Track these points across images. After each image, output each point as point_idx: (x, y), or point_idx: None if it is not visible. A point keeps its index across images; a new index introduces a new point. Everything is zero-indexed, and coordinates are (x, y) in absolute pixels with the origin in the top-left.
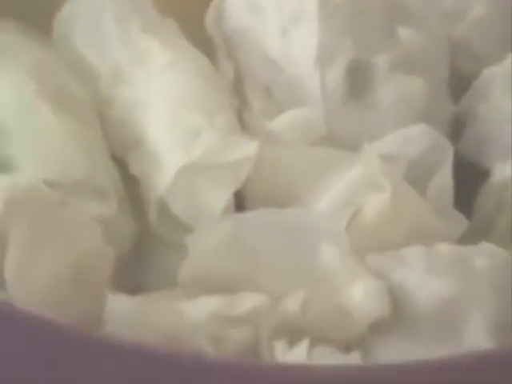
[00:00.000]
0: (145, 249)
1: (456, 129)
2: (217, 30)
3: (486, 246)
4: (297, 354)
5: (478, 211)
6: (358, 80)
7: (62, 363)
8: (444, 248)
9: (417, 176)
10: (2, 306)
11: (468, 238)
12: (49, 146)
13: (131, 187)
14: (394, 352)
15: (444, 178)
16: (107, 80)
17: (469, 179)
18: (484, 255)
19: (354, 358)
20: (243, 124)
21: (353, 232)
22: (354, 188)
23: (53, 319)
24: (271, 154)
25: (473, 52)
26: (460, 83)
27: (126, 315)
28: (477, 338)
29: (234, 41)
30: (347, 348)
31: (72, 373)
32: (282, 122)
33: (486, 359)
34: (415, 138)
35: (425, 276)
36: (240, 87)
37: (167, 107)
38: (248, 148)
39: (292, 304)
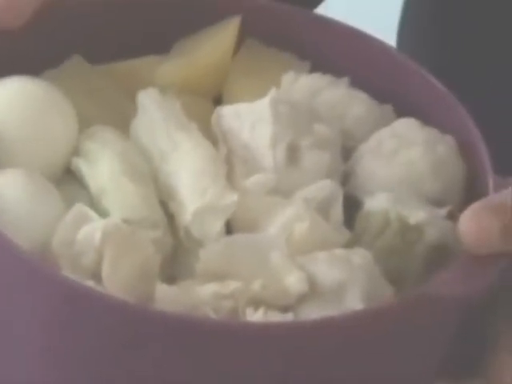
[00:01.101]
0: (178, 254)
1: (344, 179)
2: (217, 127)
3: (359, 250)
4: (258, 316)
5: (355, 229)
6: (292, 154)
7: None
8: (337, 251)
9: (323, 208)
10: (101, 294)
11: (349, 245)
12: (126, 202)
13: (170, 220)
14: (310, 314)
15: (338, 209)
16: (156, 159)
17: (350, 207)
18: (358, 255)
19: (289, 317)
20: (230, 182)
21: (288, 245)
22: (289, 219)
23: (129, 301)
24: (244, 200)
25: (354, 135)
26: (346, 153)
27: (168, 297)
28: (354, 304)
29: (227, 134)
30: (285, 311)
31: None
32: (250, 182)
33: (357, 314)
34: (322, 187)
35: (328, 269)
36: (229, 162)
37: (189, 176)
38: (233, 197)
39: (256, 287)
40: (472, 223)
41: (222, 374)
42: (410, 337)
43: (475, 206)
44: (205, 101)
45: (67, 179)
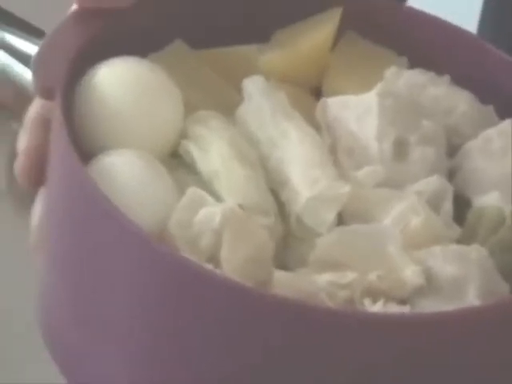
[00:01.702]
0: (288, 242)
1: (449, 174)
2: (322, 117)
3: (475, 246)
4: (377, 307)
5: (466, 225)
6: (400, 148)
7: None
8: (453, 247)
9: (433, 203)
10: (221, 275)
11: (461, 241)
12: (239, 187)
13: (281, 208)
14: (427, 307)
15: (448, 205)
16: (265, 146)
17: (459, 205)
18: (474, 251)
19: (406, 309)
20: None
21: (403, 237)
22: (404, 212)
23: (246, 284)
24: (357, 192)
25: (459, 132)
26: (452, 150)
27: (285, 283)
28: (471, 300)
29: (332, 123)
30: (402, 303)
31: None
32: (361, 174)
33: (475, 310)
34: (433, 182)
35: (443, 263)
36: (334, 152)
37: (300, 164)
38: (345, 188)
39: (373, 277)
40: None
41: (334, 364)
42: None
43: None
44: (305, 91)
45: (174, 163)
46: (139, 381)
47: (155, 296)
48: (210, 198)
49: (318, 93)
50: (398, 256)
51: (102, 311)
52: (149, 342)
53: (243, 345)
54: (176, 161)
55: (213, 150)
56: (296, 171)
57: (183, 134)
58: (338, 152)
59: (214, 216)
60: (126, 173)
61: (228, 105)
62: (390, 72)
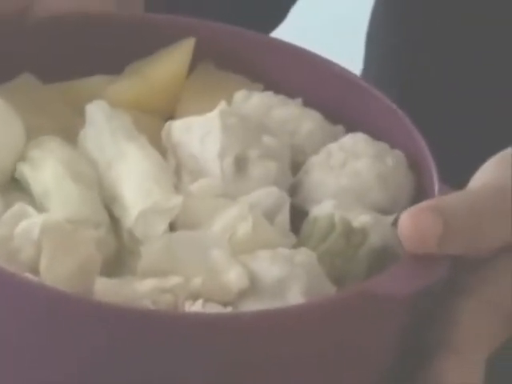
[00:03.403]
0: (122, 257)
1: (292, 189)
2: (167, 141)
3: (303, 250)
4: (196, 308)
5: (301, 233)
6: (240, 164)
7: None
8: (280, 250)
9: (269, 215)
10: (39, 285)
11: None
12: (69, 202)
13: (115, 223)
14: (250, 308)
15: (284, 215)
16: (103, 167)
17: (297, 218)
18: (301, 253)
19: (227, 310)
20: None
21: (231, 244)
22: (233, 219)
23: (70, 292)
24: (189, 203)
25: (304, 151)
26: (295, 167)
27: (107, 289)
28: (295, 299)
29: (176, 147)
30: (225, 305)
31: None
32: (195, 186)
33: (298, 307)
34: (268, 193)
35: (268, 266)
36: (178, 174)
37: (134, 180)
38: (177, 199)
39: (196, 282)
40: (409, 223)
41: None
42: (351, 335)
43: (414, 208)
44: (155, 118)
45: (12, 187)
46: None
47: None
48: (33, 211)
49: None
50: (221, 260)
51: None
52: None
53: (68, 351)
54: (13, 184)
55: (46, 170)
56: (130, 187)
57: (21, 159)
58: (181, 175)
59: (33, 228)
60: None
61: (74, 132)
62: (239, 94)
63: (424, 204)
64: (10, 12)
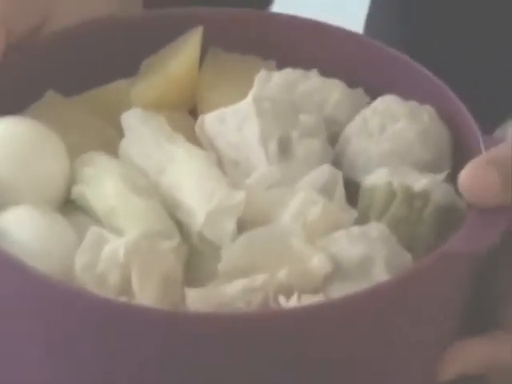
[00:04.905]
0: (195, 260)
1: (336, 163)
2: (202, 135)
3: (373, 224)
4: (292, 302)
5: (360, 206)
6: (284, 146)
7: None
8: (353, 229)
9: (326, 192)
10: (131, 305)
11: (359, 222)
12: (139, 217)
13: (180, 229)
14: (339, 292)
15: (340, 191)
16: (153, 174)
17: (350, 189)
18: (373, 229)
19: (320, 297)
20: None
21: (305, 229)
22: (301, 206)
23: (160, 308)
24: (252, 197)
25: (336, 120)
26: (333, 139)
27: (198, 299)
28: (380, 276)
29: (213, 140)
30: (315, 292)
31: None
32: (252, 179)
33: (382, 285)
34: (322, 172)
35: (348, 247)
36: (221, 166)
37: (192, 183)
38: (240, 196)
39: (282, 275)
40: (472, 177)
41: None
42: (433, 298)
43: (474, 161)
44: (183, 114)
45: (68, 209)
46: None
47: (77, 337)
48: (110, 235)
49: (195, 113)
50: (302, 249)
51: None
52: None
53: (167, 364)
54: (71, 206)
55: (106, 187)
56: (189, 190)
57: (73, 179)
58: (223, 166)
59: (117, 251)
60: (21, 228)
61: (110, 143)
62: (260, 76)
63: (482, 157)
64: (24, 30)
